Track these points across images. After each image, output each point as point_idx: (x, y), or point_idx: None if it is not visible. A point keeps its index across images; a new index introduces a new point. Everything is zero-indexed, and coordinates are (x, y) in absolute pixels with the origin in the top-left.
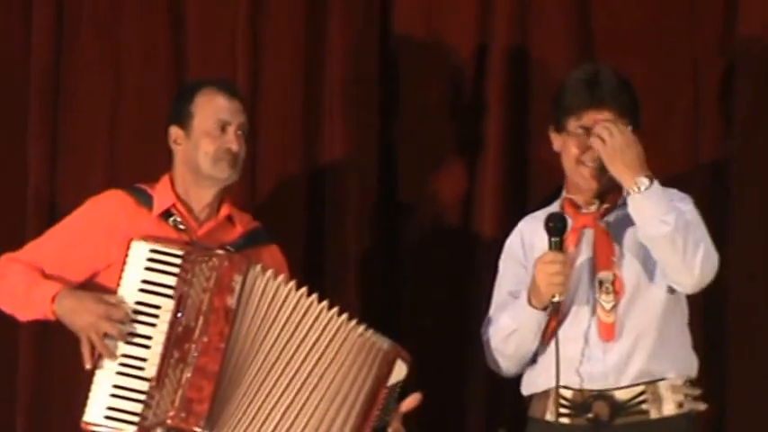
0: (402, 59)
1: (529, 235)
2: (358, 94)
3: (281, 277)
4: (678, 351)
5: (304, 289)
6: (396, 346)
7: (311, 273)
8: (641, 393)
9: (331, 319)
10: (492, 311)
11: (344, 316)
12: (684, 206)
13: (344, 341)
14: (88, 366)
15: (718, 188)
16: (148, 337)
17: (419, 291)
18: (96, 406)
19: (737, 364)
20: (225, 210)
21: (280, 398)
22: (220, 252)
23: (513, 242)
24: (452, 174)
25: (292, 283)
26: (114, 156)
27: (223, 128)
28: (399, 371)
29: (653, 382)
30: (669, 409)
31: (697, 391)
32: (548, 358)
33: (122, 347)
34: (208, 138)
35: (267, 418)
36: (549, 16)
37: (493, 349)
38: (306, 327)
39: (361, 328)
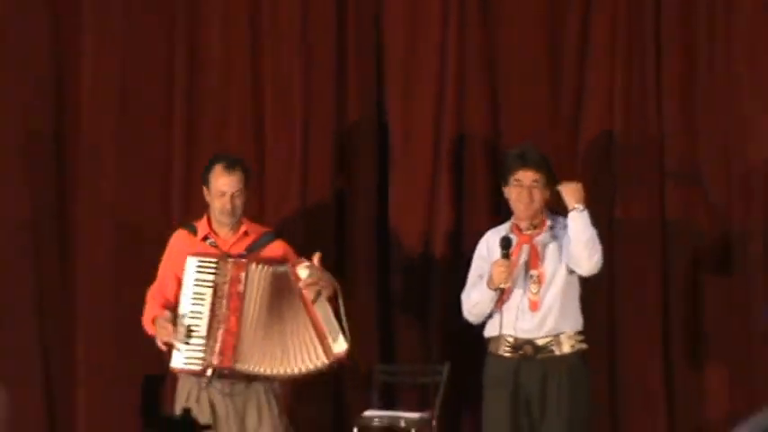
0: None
1: (492, 243)
2: (363, 150)
3: (266, 266)
4: (572, 314)
5: (273, 267)
6: (290, 264)
7: (337, 274)
8: (551, 341)
9: (269, 273)
10: (467, 288)
11: (260, 265)
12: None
13: (272, 283)
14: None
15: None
16: (200, 312)
17: (406, 277)
18: (177, 356)
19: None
20: (243, 228)
21: (268, 337)
22: (232, 258)
23: (481, 246)
24: (422, 213)
25: (273, 269)
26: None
27: (224, 194)
28: (303, 272)
29: (557, 335)
30: (566, 349)
31: (582, 338)
32: (497, 317)
33: (188, 320)
34: (216, 198)
35: (261, 348)
36: (472, 121)
37: (466, 312)
38: (271, 289)
39: (275, 267)
